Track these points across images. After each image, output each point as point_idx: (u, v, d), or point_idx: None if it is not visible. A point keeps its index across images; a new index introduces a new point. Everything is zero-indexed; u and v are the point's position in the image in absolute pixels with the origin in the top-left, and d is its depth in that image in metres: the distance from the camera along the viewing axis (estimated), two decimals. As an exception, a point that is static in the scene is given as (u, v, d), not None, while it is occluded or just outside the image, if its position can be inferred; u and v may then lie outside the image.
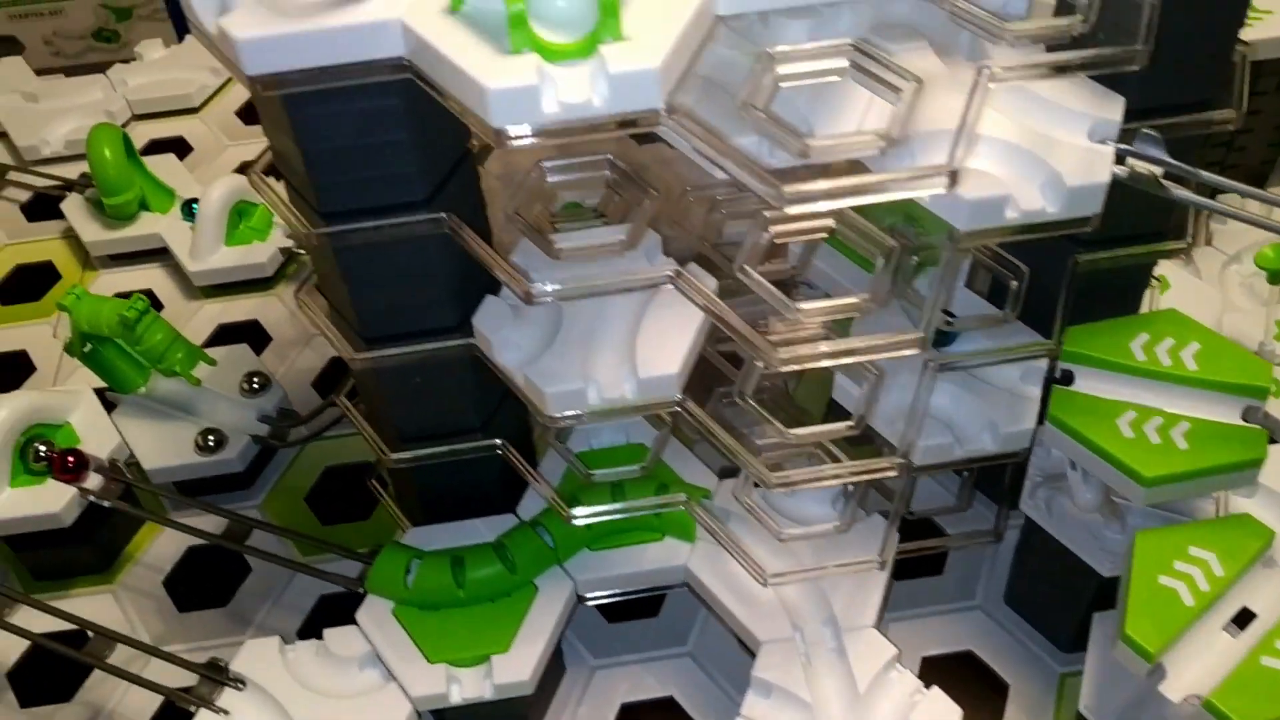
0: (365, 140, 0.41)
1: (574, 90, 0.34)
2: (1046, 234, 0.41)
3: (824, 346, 0.39)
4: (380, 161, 0.41)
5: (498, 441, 0.52)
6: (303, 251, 0.78)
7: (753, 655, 0.50)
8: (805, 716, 0.48)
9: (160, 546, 0.65)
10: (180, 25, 1.56)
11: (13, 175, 0.88)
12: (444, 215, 0.43)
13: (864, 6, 0.41)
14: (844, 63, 0.37)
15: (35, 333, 0.77)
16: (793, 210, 0.34)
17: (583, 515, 0.50)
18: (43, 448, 0.60)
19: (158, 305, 0.78)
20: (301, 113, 0.39)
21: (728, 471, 0.55)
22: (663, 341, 0.44)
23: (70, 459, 0.60)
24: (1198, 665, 0.44)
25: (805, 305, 0.40)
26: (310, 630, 0.61)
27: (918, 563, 0.60)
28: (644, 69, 0.34)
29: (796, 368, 0.39)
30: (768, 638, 0.50)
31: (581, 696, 0.57)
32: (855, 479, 0.45)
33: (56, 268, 0.82)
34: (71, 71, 1.62)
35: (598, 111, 0.34)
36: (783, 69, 0.37)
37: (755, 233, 0.42)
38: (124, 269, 0.81)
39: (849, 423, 0.44)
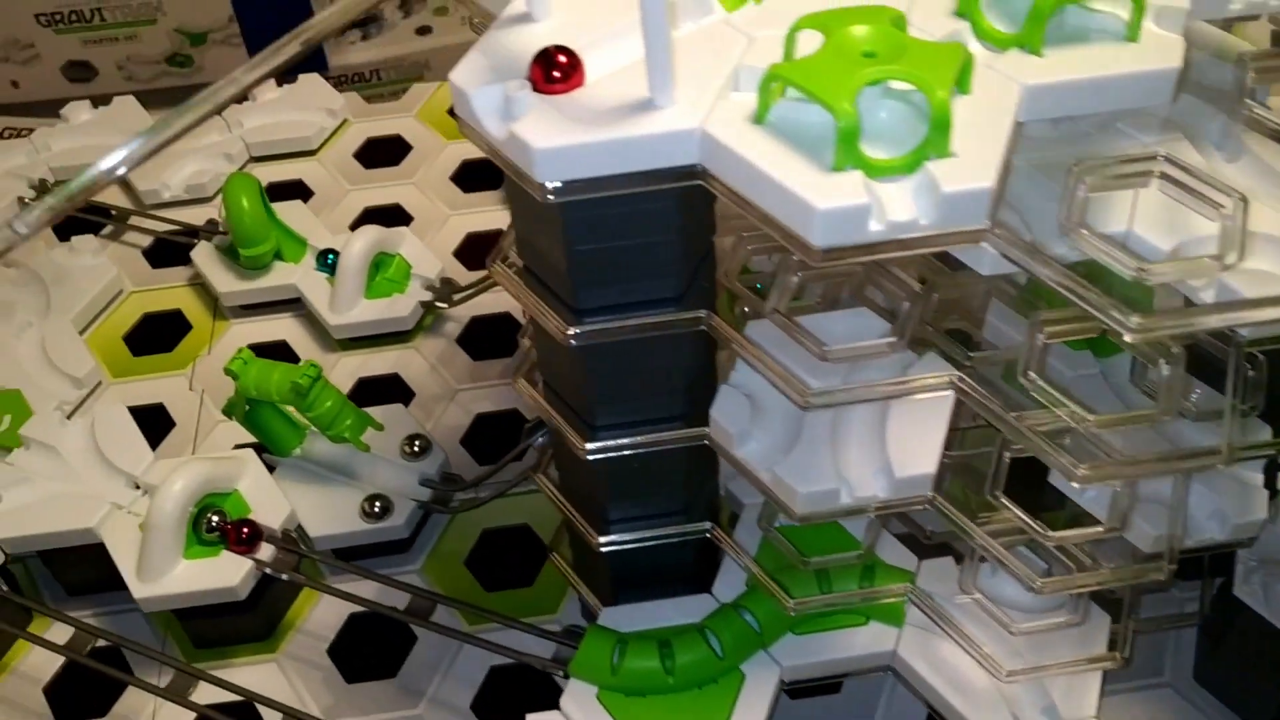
0: (634, 240, 0.40)
1: (900, 208, 0.33)
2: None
3: (1127, 468, 0.38)
4: (645, 260, 0.40)
5: (708, 525, 0.51)
6: (444, 305, 0.77)
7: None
8: (1031, 815, 0.47)
9: (321, 613, 0.64)
10: (257, 51, 1.55)
11: (134, 220, 0.87)
12: (705, 312, 0.42)
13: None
14: (1153, 171, 0.36)
15: (171, 386, 0.76)
16: (1131, 338, 0.33)
17: (801, 605, 0.49)
18: (215, 518, 0.59)
19: (293, 357, 0.78)
20: (575, 215, 0.38)
21: (919, 548, 0.55)
22: (916, 437, 0.43)
23: (245, 530, 0.59)
24: None
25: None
26: (484, 704, 0.60)
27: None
28: (977, 188, 0.33)
29: (1093, 484, 0.38)
30: (987, 728, 0.49)
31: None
32: (1119, 583, 0.44)
33: (186, 316, 0.81)
34: (144, 98, 1.61)
35: (924, 230, 0.33)
36: (1091, 179, 0.36)
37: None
38: (256, 319, 0.80)
39: (1106, 527, 0.43)
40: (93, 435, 0.65)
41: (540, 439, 0.60)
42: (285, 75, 1.64)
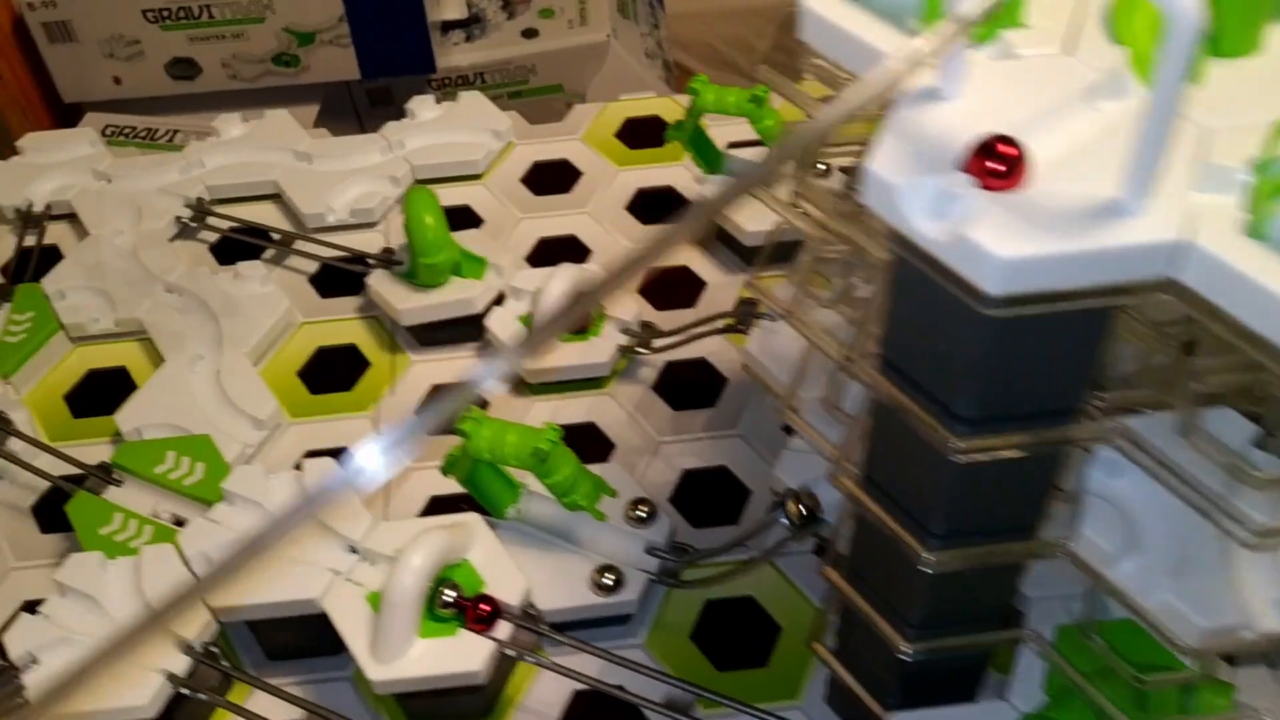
0: (1056, 350, 0.35)
1: None
2: None
3: None
4: (1057, 369, 0.36)
5: (1029, 631, 0.47)
6: (644, 351, 0.73)
7: None
8: None
9: (542, 690, 0.60)
10: (366, 55, 1.51)
11: (298, 244, 0.83)
12: (1120, 423, 0.37)
13: None
14: None
15: (355, 428, 0.72)
16: None
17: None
18: (451, 593, 0.55)
19: (483, 402, 0.73)
20: (1006, 326, 0.34)
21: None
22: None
23: (484, 607, 0.55)
24: None
25: None
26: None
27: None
28: None
29: None
30: None
31: None
32: None
33: (361, 351, 0.77)
34: (247, 97, 1.57)
35: None
36: None
37: None
38: (438, 357, 0.76)
39: None
40: (304, 491, 0.60)
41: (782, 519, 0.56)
42: (446, 92, 1.60)
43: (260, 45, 1.51)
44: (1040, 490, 0.41)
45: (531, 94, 1.67)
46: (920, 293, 0.35)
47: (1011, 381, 0.36)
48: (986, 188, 0.32)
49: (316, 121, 1.57)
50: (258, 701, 0.59)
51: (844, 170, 0.66)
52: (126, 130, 1.51)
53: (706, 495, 0.68)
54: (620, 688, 0.58)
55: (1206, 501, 0.36)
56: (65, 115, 1.62)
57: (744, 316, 0.69)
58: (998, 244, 0.31)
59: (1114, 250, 0.31)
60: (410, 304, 0.75)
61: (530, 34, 1.66)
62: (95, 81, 1.54)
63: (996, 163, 0.32)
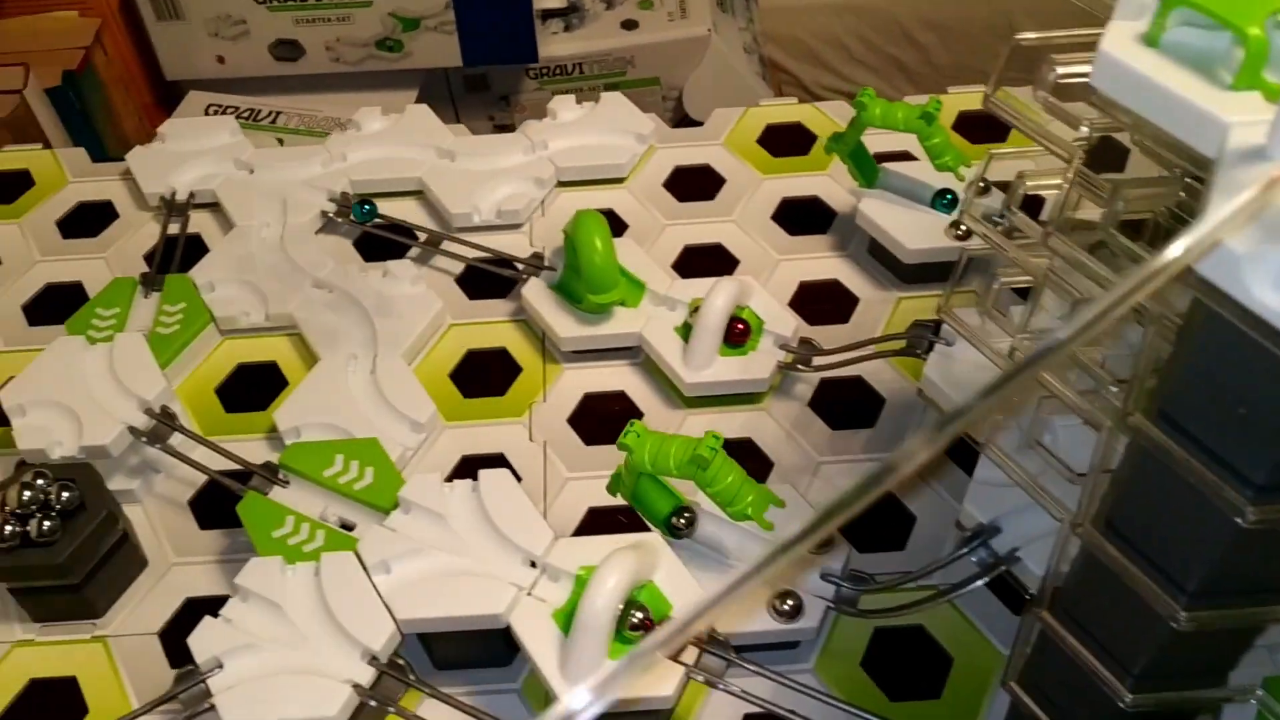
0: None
1: None
2: None
3: None
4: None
5: (1259, 690, 0.46)
6: (804, 368, 0.72)
7: None
8: None
9: (712, 711, 0.60)
10: (470, 42, 1.51)
11: (448, 246, 0.82)
12: None
13: None
14: None
15: (509, 434, 0.72)
16: None
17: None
18: (639, 614, 0.55)
19: (634, 409, 0.73)
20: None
21: None
22: None
23: (674, 631, 0.54)
24: None
25: None
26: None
27: None
28: None
29: None
30: None
31: None
32: None
33: (513, 356, 0.76)
34: (346, 81, 1.57)
35: None
36: None
37: None
38: (591, 365, 0.75)
39: None
40: (481, 504, 0.60)
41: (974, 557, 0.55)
42: (543, 81, 1.59)
43: (365, 29, 1.51)
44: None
45: (628, 86, 1.66)
46: (1232, 356, 0.34)
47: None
48: (1332, 259, 0.31)
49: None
50: (426, 709, 0.59)
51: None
52: (229, 110, 1.51)
53: (870, 519, 0.67)
54: (793, 712, 0.57)
55: None
56: (166, 93, 1.63)
57: (917, 340, 0.68)
58: (1350, 321, 0.30)
59: None
60: (573, 332, 0.74)
61: (629, 25, 1.65)
62: (199, 60, 1.54)
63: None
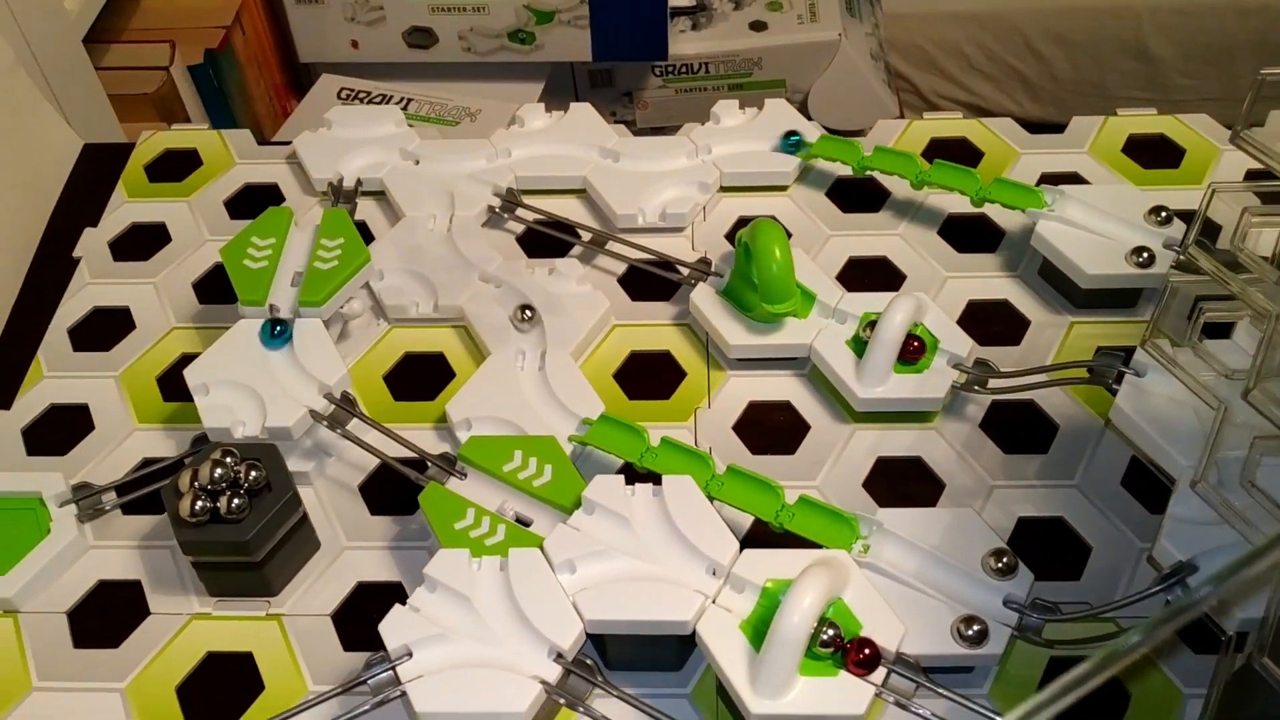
0: None
1: None
2: None
3: None
4: None
5: None
6: (980, 389, 0.71)
7: None
8: None
9: (890, 732, 0.60)
10: (601, 37, 1.51)
11: (613, 247, 0.83)
12: None
13: None
14: None
15: (677, 437, 0.71)
16: None
17: None
18: (831, 631, 0.55)
19: (798, 420, 0.73)
20: None
21: None
22: None
23: (866, 651, 0.54)
24: None
25: None
26: None
27: None
28: None
29: None
30: None
31: None
32: None
33: (676, 359, 0.77)
34: (476, 70, 1.58)
35: None
36: None
37: None
38: (757, 373, 0.75)
39: None
40: (665, 509, 0.61)
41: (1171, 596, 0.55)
42: (668, 80, 1.60)
43: (499, 20, 1.52)
44: None
45: (753, 87, 1.66)
46: None
47: None
48: None
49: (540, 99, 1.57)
50: (601, 706, 0.59)
51: None
52: (361, 94, 1.54)
53: (1044, 547, 0.66)
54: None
55: None
56: (297, 75, 1.66)
57: (1105, 369, 0.67)
58: None
59: None
60: (743, 340, 0.74)
61: (758, 26, 1.65)
62: (333, 44, 1.57)
63: None
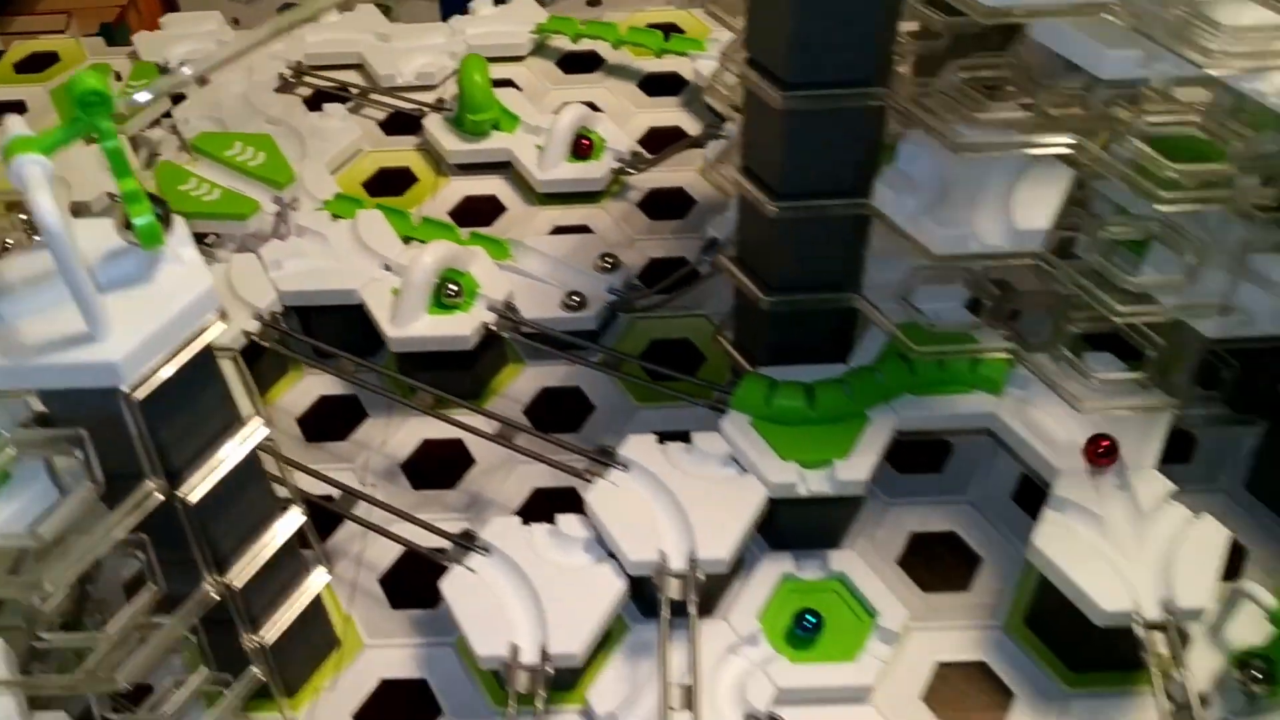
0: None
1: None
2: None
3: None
4: (845, 43, 0.54)
5: (853, 295, 0.65)
6: (632, 172, 0.92)
7: (1038, 496, 0.62)
8: (1096, 526, 0.59)
9: (520, 385, 0.79)
10: None
11: (374, 96, 1.04)
12: (884, 90, 0.56)
13: None
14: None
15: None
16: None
17: (921, 350, 0.63)
18: (453, 286, 0.75)
19: (500, 209, 0.93)
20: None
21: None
22: (1035, 200, 0.57)
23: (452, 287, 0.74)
24: None
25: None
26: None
27: (1168, 451, 0.71)
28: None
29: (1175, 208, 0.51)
30: (1065, 468, 0.62)
31: (879, 523, 0.69)
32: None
33: (413, 172, 0.97)
34: None
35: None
36: None
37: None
38: (472, 178, 0.96)
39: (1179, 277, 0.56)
40: (356, 230, 0.81)
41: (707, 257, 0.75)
42: None
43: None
44: (850, 157, 0.60)
45: None
46: None
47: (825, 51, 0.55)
48: None
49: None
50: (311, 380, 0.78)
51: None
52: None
53: (669, 271, 0.86)
54: (578, 389, 0.77)
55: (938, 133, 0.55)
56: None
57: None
58: None
59: None
60: (457, 146, 0.95)
61: None
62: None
63: None
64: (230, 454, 0.53)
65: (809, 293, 0.65)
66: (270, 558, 0.57)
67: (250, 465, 0.54)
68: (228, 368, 0.70)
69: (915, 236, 0.58)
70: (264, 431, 0.53)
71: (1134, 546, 0.58)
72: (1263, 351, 0.66)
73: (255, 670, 0.55)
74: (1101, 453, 0.60)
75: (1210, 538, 0.59)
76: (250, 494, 0.55)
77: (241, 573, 0.55)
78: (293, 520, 0.57)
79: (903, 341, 0.64)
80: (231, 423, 0.53)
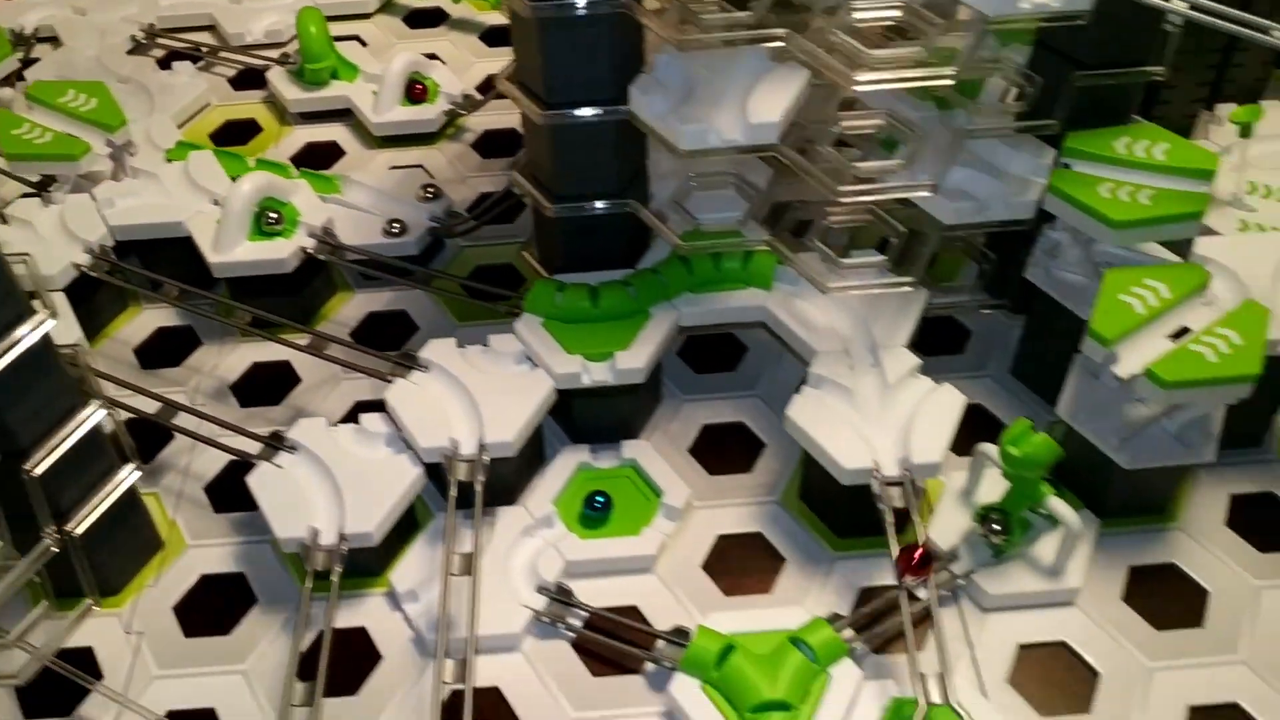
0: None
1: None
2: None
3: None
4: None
5: (631, 201, 0.70)
6: (464, 113, 0.97)
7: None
8: (846, 398, 0.65)
9: (348, 311, 0.84)
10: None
11: (223, 54, 1.08)
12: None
13: None
14: None
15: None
16: None
17: (690, 246, 0.68)
18: (274, 215, 0.79)
19: (340, 153, 0.97)
20: None
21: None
22: (770, 97, 0.62)
23: (271, 214, 0.78)
24: (1142, 356, 0.60)
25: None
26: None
27: (943, 343, 0.77)
28: None
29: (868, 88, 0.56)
30: (822, 349, 0.67)
31: (674, 417, 0.74)
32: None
33: (259, 123, 1.01)
34: None
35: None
36: None
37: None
38: (314, 125, 1.00)
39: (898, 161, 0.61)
40: (187, 170, 0.84)
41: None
42: None
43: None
44: (607, 61, 0.64)
45: None
46: None
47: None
48: None
49: None
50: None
51: None
52: None
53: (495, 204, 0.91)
54: (404, 312, 0.81)
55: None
56: None
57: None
58: None
59: None
60: (299, 96, 0.99)
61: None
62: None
63: None
64: (22, 337, 0.56)
65: (589, 200, 0.70)
66: (72, 451, 0.60)
67: (42, 355, 0.58)
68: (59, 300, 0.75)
69: (663, 134, 0.63)
70: (51, 323, 0.57)
71: (878, 414, 0.64)
72: (1014, 244, 0.71)
73: (47, 541, 0.59)
74: (917, 564, 0.61)
75: (947, 403, 0.64)
76: (45, 386, 0.59)
77: (42, 462, 0.59)
78: (93, 414, 0.61)
79: (669, 238, 0.69)
80: (21, 314, 0.57)
